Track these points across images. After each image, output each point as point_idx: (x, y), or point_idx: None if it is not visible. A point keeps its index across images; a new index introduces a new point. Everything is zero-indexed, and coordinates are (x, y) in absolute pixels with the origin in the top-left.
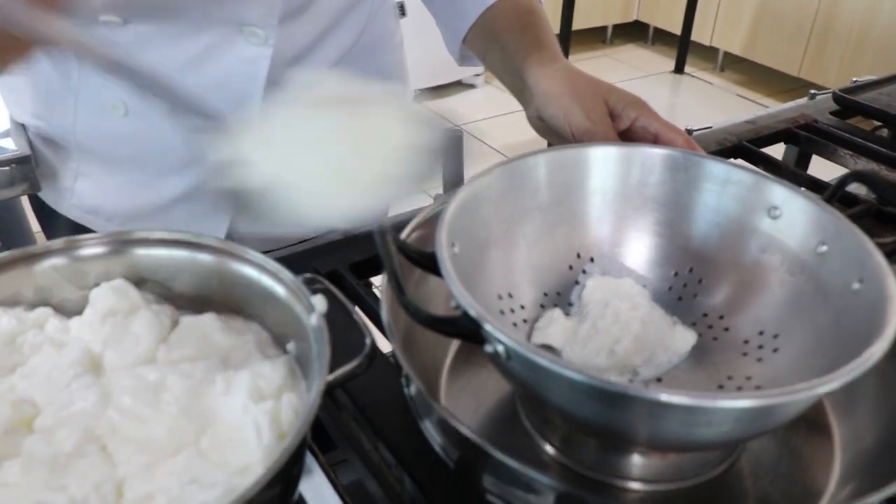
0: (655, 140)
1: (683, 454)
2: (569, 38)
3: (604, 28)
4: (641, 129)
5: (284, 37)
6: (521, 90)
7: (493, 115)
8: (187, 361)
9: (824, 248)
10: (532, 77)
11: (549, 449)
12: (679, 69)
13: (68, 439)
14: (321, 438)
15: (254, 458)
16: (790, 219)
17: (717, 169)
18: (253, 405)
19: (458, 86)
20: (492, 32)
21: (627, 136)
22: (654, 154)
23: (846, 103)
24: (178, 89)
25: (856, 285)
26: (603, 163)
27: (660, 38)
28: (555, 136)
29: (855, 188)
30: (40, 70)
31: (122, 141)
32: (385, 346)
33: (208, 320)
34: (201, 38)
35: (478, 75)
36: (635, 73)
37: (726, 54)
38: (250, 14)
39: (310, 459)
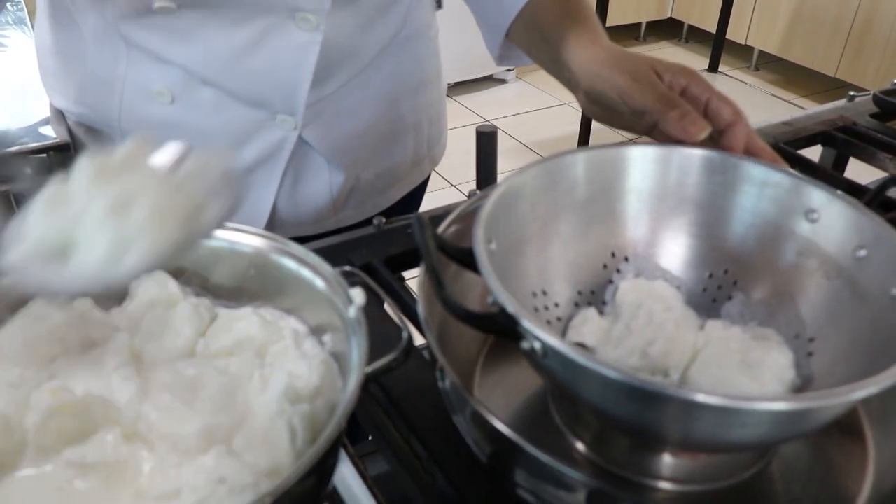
0: (706, 109)
1: (714, 456)
2: None
3: (637, 25)
4: (692, 99)
5: (333, 26)
6: (568, 80)
7: (524, 110)
8: (225, 356)
9: (863, 252)
10: (575, 62)
11: (579, 446)
12: (713, 68)
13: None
14: (350, 430)
15: (285, 461)
16: (828, 222)
17: (755, 171)
18: (289, 406)
19: (490, 81)
20: (534, 25)
21: None
22: (692, 155)
23: (886, 105)
24: (228, 76)
25: (895, 291)
26: (640, 162)
27: (694, 35)
28: (611, 117)
29: (893, 192)
30: (87, 56)
31: (166, 129)
32: (417, 339)
33: (246, 314)
34: (253, 24)
35: (509, 70)
36: None
37: (761, 53)
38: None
39: None
